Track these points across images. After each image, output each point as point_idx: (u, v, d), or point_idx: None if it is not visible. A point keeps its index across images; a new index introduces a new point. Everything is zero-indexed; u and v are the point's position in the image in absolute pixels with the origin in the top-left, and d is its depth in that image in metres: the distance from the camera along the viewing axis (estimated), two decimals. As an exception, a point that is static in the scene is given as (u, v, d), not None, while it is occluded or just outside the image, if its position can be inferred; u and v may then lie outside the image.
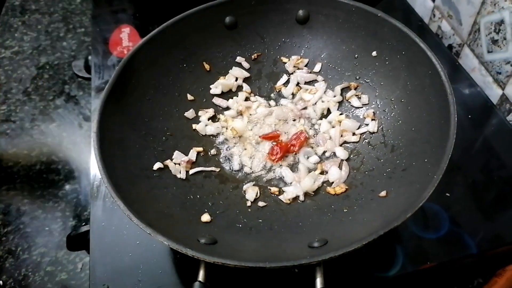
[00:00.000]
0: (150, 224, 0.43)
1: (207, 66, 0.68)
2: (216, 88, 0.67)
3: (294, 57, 0.69)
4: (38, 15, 1.08)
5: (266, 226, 0.50)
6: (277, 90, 0.68)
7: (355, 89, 0.64)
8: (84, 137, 0.82)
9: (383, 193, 0.50)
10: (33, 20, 1.07)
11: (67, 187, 0.75)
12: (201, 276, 0.42)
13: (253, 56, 0.69)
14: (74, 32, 1.03)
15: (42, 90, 0.91)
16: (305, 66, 0.68)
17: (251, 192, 0.55)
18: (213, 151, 0.61)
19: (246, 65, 0.69)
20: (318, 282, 0.41)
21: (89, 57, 0.83)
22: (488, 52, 0.73)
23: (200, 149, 0.61)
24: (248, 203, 0.54)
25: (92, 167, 0.66)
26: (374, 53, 0.62)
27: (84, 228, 0.61)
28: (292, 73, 0.68)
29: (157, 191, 0.52)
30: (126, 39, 0.86)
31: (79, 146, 0.81)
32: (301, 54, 0.69)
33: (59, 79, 0.93)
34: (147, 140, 0.58)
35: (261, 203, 0.53)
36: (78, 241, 0.61)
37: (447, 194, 0.59)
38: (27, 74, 0.94)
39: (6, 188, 0.75)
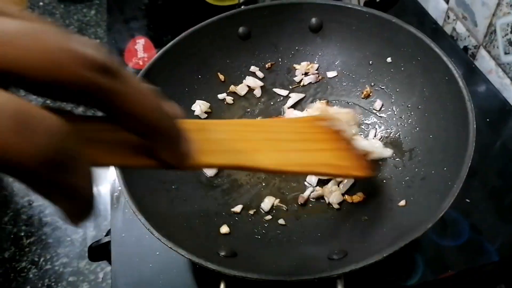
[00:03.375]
0: (170, 238, 0.44)
1: (221, 77, 0.68)
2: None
3: (304, 63, 0.68)
4: (54, 27, 1.11)
5: (285, 237, 0.50)
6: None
7: (367, 97, 0.63)
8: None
9: (402, 203, 0.49)
10: (50, 33, 1.09)
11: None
12: (222, 289, 0.42)
13: (267, 65, 0.69)
14: (90, 43, 1.04)
15: (60, 102, 0.93)
16: (316, 70, 0.68)
17: (266, 201, 0.55)
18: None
19: (260, 74, 0.69)
20: (339, 295, 0.41)
21: (105, 69, 0.84)
22: (505, 53, 0.71)
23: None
24: (268, 217, 0.54)
25: (111, 176, 0.66)
26: (389, 59, 0.61)
27: (105, 239, 0.61)
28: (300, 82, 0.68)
29: (176, 204, 0.53)
30: (141, 50, 0.87)
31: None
32: (315, 61, 0.68)
33: (76, 91, 0.94)
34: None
35: (281, 221, 0.53)
36: (100, 251, 0.62)
37: (467, 200, 0.58)
38: (45, 87, 0.96)
39: (28, 200, 0.77)
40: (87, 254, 0.63)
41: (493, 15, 0.72)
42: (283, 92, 0.68)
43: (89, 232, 0.72)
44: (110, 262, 0.59)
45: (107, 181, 0.69)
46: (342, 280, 0.42)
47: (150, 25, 0.93)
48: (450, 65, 0.52)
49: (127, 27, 0.93)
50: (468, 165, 0.44)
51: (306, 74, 0.68)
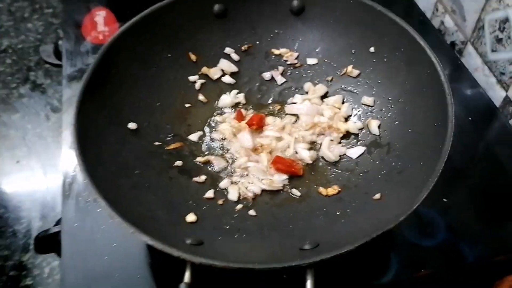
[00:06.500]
0: (133, 223, 0.46)
1: (193, 57, 0.71)
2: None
3: (283, 50, 0.73)
4: (-1, -9, 1.10)
5: (255, 228, 0.55)
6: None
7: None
8: (52, 130, 0.84)
9: (377, 196, 0.55)
10: (-7, -2, 1.08)
11: (33, 185, 0.77)
12: (187, 277, 0.45)
13: (243, 48, 0.73)
14: (41, 12, 1.04)
15: (4, 76, 0.93)
16: (295, 59, 0.73)
17: (232, 191, 0.60)
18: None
19: (235, 57, 0.73)
20: (309, 286, 0.46)
21: (60, 42, 0.85)
22: (492, 51, 0.78)
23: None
24: (239, 207, 0.58)
25: (63, 163, 0.68)
26: (372, 49, 0.67)
27: (54, 229, 0.63)
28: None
29: (138, 191, 0.55)
30: (101, 23, 0.88)
31: (46, 140, 0.84)
32: (295, 47, 0.73)
33: (23, 65, 0.95)
34: (127, 136, 0.62)
35: (252, 212, 0.58)
36: (48, 243, 0.63)
37: (444, 200, 0.64)
38: (-14, 59, 0.96)
39: (-37, 185, 0.77)
40: (31, 247, 0.64)
41: (482, 9, 0.79)
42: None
43: (35, 222, 0.73)
44: (59, 255, 0.60)
45: (56, 167, 0.71)
46: (312, 271, 0.46)
47: (113, -5, 0.94)
48: (433, 58, 0.58)
49: (85, -3, 0.93)
50: (445, 160, 0.50)
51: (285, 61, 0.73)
